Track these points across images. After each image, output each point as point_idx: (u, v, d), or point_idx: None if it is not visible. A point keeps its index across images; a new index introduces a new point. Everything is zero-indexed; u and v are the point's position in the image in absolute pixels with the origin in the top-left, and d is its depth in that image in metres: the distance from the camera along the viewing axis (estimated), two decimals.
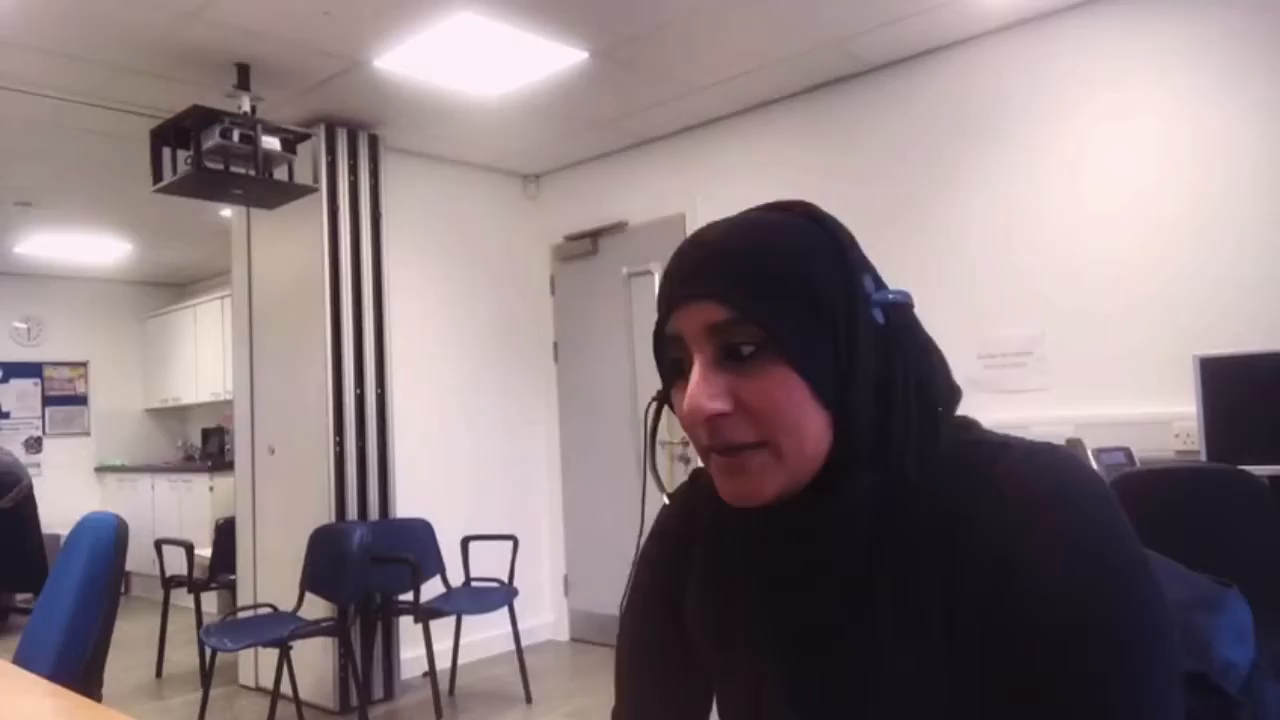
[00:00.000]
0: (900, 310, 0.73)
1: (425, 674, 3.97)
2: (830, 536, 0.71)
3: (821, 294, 0.69)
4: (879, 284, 0.74)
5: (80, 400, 7.88)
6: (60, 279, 7.67)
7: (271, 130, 3.62)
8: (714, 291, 0.70)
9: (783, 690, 0.75)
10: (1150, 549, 0.69)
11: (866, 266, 0.74)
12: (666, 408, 0.80)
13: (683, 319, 0.72)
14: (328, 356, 4.19)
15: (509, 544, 4.36)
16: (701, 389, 0.69)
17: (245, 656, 4.52)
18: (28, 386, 7.62)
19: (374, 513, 4.30)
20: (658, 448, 4.70)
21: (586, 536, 5.13)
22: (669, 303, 0.73)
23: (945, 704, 0.67)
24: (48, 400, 7.71)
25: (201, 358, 7.42)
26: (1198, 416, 2.87)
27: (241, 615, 4.11)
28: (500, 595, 4.18)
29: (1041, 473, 0.66)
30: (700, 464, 0.78)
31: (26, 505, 5.77)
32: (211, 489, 6.67)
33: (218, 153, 3.51)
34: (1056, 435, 3.01)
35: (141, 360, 8.18)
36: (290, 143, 3.70)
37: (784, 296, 0.69)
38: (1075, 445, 2.81)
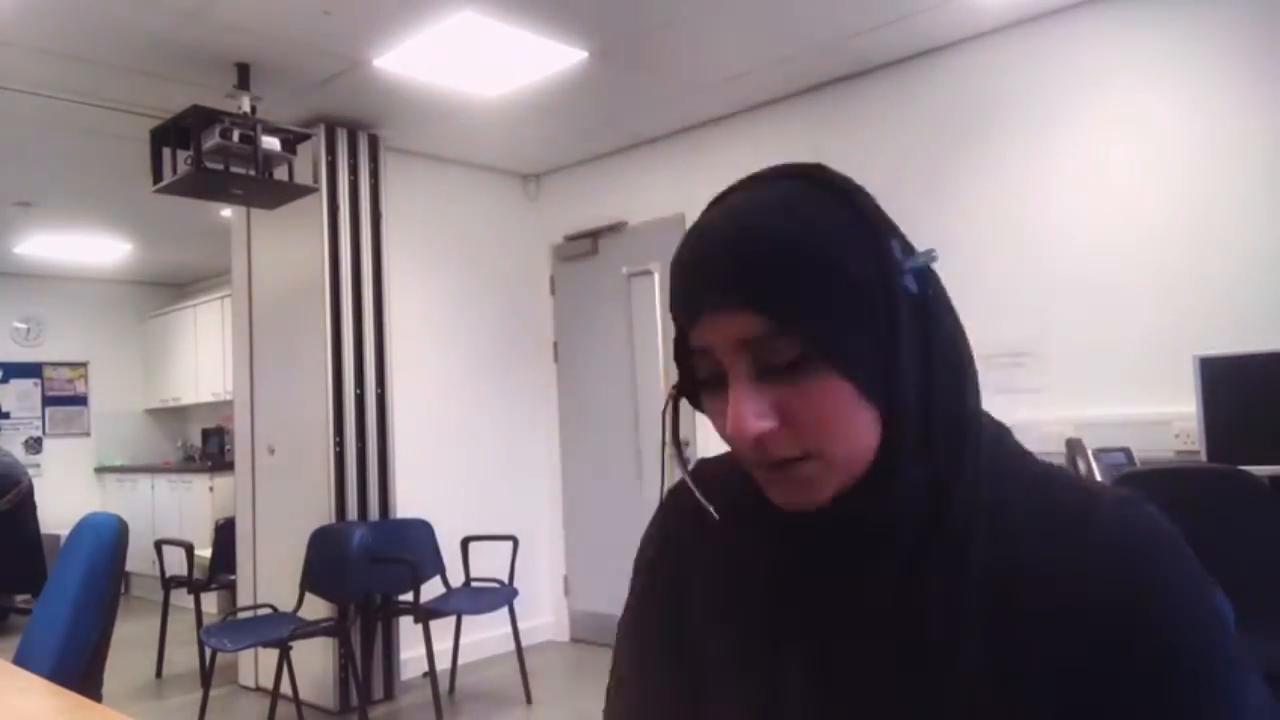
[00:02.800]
0: (931, 274, 0.68)
1: (425, 674, 3.97)
2: (879, 534, 0.67)
3: (858, 282, 0.63)
4: (905, 246, 0.67)
5: (80, 400, 7.88)
6: (60, 279, 7.67)
7: (271, 130, 3.62)
8: (746, 300, 0.63)
9: (811, 689, 0.71)
10: None
11: (892, 229, 0.68)
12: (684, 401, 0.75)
13: (712, 331, 0.64)
14: (328, 357, 4.19)
15: (509, 544, 4.36)
16: (746, 409, 0.63)
17: (245, 656, 4.52)
18: (28, 387, 7.62)
19: (374, 513, 4.30)
20: (659, 446, 4.63)
21: (586, 536, 5.13)
22: (692, 310, 0.66)
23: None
24: (48, 400, 7.71)
25: (201, 358, 7.42)
26: (1198, 416, 2.87)
27: (241, 615, 4.11)
28: (500, 595, 4.17)
29: (1145, 535, 0.64)
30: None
31: (25, 506, 5.76)
32: (211, 489, 6.67)
33: (218, 153, 3.51)
34: (1056, 435, 3.01)
35: (141, 360, 8.18)
36: (290, 143, 3.70)
37: (821, 295, 0.62)
38: (1075, 445, 2.81)
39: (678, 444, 0.74)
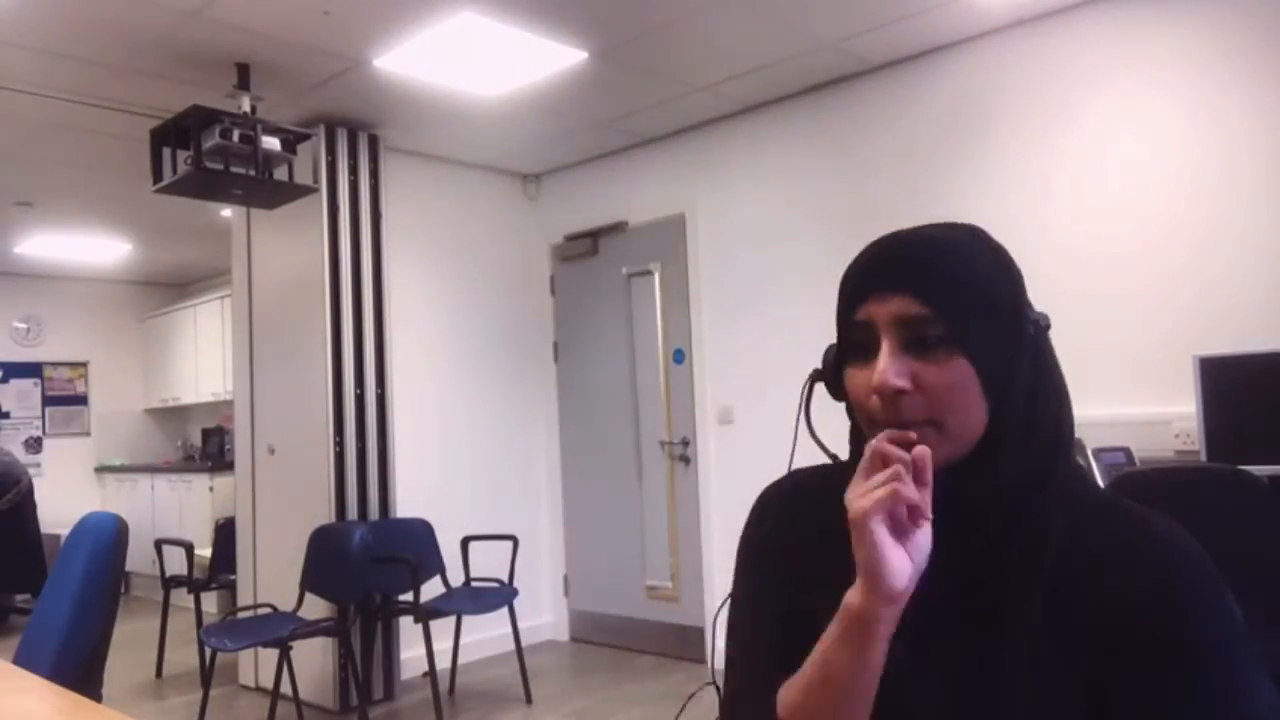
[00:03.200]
0: (1044, 328, 0.85)
1: (425, 674, 3.97)
2: (974, 513, 0.80)
3: (997, 303, 0.82)
4: (1029, 304, 0.85)
5: (80, 400, 7.88)
6: (60, 279, 7.67)
7: (271, 130, 3.62)
8: (910, 287, 0.80)
9: (905, 663, 0.80)
10: None
11: (1021, 284, 0.85)
12: (821, 386, 0.92)
13: (876, 307, 0.82)
14: (328, 356, 4.19)
15: (509, 544, 4.36)
16: (890, 366, 0.79)
17: (245, 656, 4.52)
18: (28, 386, 7.62)
19: (374, 513, 4.30)
20: (659, 447, 4.65)
21: (586, 536, 5.13)
22: (862, 291, 0.83)
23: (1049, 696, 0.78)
24: (48, 400, 7.71)
25: (201, 358, 7.41)
26: (1198, 416, 2.87)
27: (241, 615, 4.11)
28: (500, 595, 4.18)
29: (1190, 545, 0.81)
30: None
31: (25, 505, 5.76)
32: (211, 489, 6.67)
33: (218, 153, 3.50)
34: None
35: (141, 360, 8.18)
36: (290, 143, 3.70)
37: (968, 299, 0.80)
38: (1075, 445, 2.80)
39: (810, 423, 0.93)
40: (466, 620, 4.39)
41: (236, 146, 3.50)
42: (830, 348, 0.91)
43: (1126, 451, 2.94)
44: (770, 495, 0.99)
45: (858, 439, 0.88)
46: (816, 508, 0.91)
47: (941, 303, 0.79)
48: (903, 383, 0.79)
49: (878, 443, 0.77)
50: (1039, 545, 0.80)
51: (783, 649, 0.87)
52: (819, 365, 0.93)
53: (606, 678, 4.45)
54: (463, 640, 4.44)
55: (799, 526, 0.94)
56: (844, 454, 0.92)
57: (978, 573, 0.81)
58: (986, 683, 0.78)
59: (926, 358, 0.79)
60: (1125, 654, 0.76)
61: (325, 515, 4.14)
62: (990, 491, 0.81)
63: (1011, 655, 0.78)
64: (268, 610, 4.00)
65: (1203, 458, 2.84)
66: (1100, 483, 2.66)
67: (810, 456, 0.98)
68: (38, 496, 5.92)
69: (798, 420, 0.95)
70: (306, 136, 3.79)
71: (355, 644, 4.05)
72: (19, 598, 6.46)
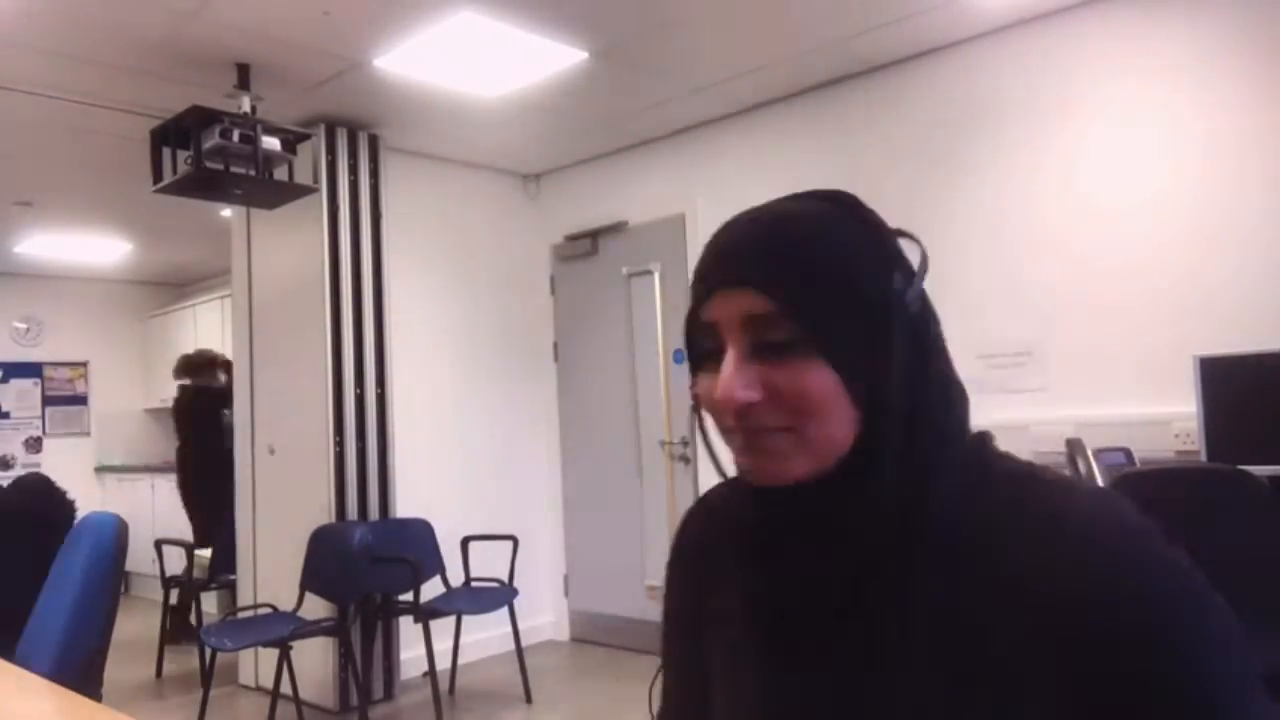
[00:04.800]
0: (927, 305, 0.74)
1: (425, 674, 3.97)
2: (850, 524, 0.70)
3: (861, 290, 0.70)
4: (907, 275, 0.73)
5: (80, 400, 7.88)
6: (60, 279, 7.67)
7: (271, 130, 3.62)
8: (754, 281, 0.70)
9: (774, 680, 0.76)
10: None
11: (900, 259, 0.74)
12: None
13: (719, 307, 0.72)
14: (328, 356, 4.19)
15: (509, 544, 4.36)
16: (734, 378, 0.70)
17: (245, 656, 4.52)
18: (28, 386, 7.62)
19: (374, 513, 4.30)
20: (659, 447, 4.64)
21: (586, 536, 5.13)
22: (705, 287, 0.73)
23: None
24: (48, 400, 7.71)
25: None
26: (1198, 416, 2.87)
27: (241, 615, 4.12)
28: (500, 595, 4.18)
29: (1114, 531, 0.64)
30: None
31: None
32: None
33: (218, 153, 3.50)
34: (1056, 435, 3.01)
35: (141, 360, 8.18)
36: (290, 143, 3.70)
37: (824, 291, 0.69)
38: (1075, 445, 2.81)
39: (707, 440, 0.80)
40: (466, 620, 4.39)
41: (236, 146, 3.50)
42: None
43: (1126, 452, 2.94)
44: (682, 521, 0.94)
45: None
46: (712, 534, 0.87)
47: (790, 297, 0.69)
48: (750, 394, 0.69)
49: None
50: (920, 564, 0.68)
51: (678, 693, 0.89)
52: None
53: (606, 678, 4.45)
54: (463, 640, 4.44)
55: (693, 552, 0.90)
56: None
57: (847, 599, 0.70)
58: None
59: (776, 361, 0.69)
60: (1088, 693, 0.60)
61: (325, 515, 4.14)
62: (865, 512, 0.69)
63: (897, 695, 0.67)
64: (268, 610, 4.00)
65: (1203, 458, 2.84)
66: (1100, 481, 2.66)
67: None
68: None
69: (696, 438, 0.86)
70: (306, 136, 3.79)
71: (355, 644, 4.05)
72: None
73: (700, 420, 0.78)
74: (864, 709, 0.69)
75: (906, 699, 0.67)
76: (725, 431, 0.74)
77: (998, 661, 0.63)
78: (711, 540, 0.87)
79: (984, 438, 0.75)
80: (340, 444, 4.20)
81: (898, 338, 0.69)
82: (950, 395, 0.74)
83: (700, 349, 0.75)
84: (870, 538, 0.69)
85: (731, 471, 0.80)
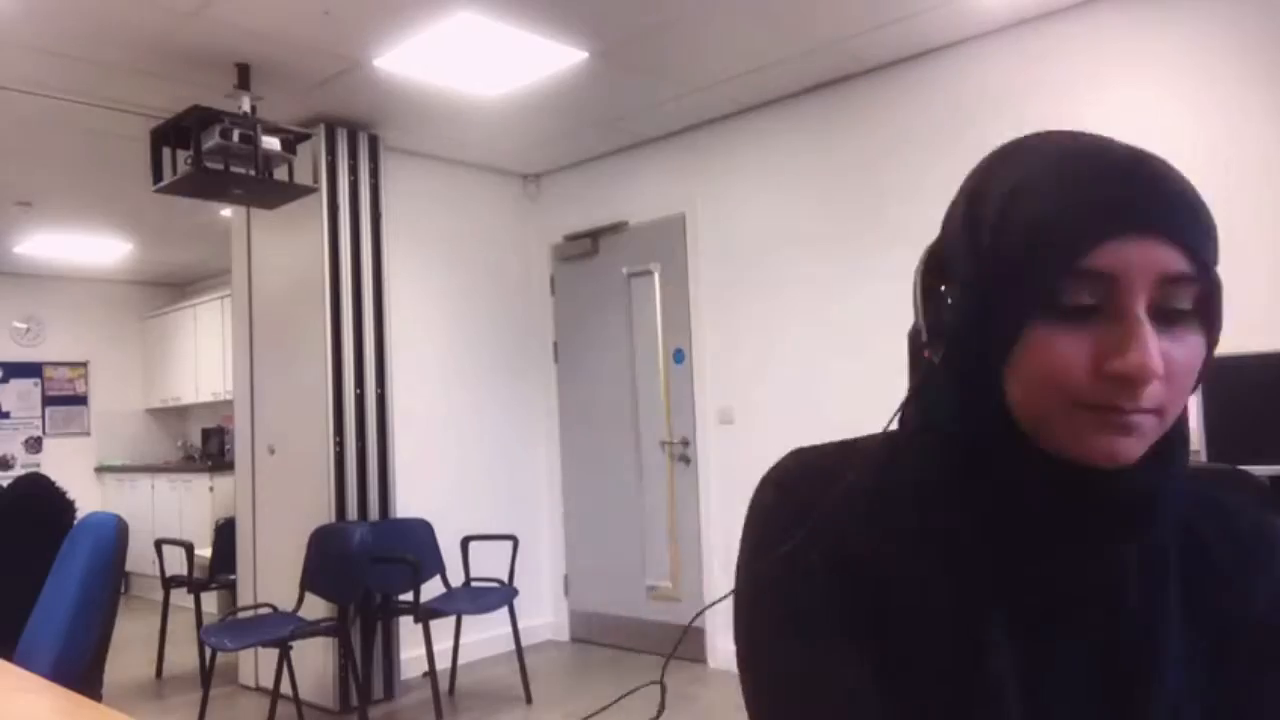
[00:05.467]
0: None
1: (425, 674, 3.97)
2: (1148, 515, 0.64)
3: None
4: None
5: (80, 400, 7.88)
6: (60, 279, 7.67)
7: (271, 130, 3.62)
8: (1178, 235, 0.59)
9: (1020, 688, 0.66)
10: None
11: None
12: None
13: (1127, 254, 0.58)
14: (328, 356, 4.19)
15: (509, 544, 4.36)
16: (1153, 349, 0.58)
17: (245, 656, 4.52)
18: (28, 386, 7.62)
19: (374, 513, 4.30)
20: (659, 447, 4.60)
21: (586, 536, 5.13)
22: (1105, 227, 0.59)
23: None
24: (48, 400, 7.71)
25: (201, 358, 7.42)
26: (1198, 416, 2.87)
27: (241, 615, 4.11)
28: (500, 595, 4.17)
29: None
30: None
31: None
32: (211, 489, 6.67)
33: (218, 153, 3.50)
34: None
35: (141, 360, 8.18)
36: (290, 143, 3.70)
37: (1216, 260, 0.62)
38: None
39: (917, 406, 0.70)
40: (466, 620, 4.39)
41: (236, 146, 3.50)
42: (930, 294, 0.69)
43: None
44: (794, 487, 0.73)
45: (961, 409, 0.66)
46: (896, 503, 0.70)
47: (1208, 263, 0.60)
48: (1162, 369, 0.59)
49: None
50: (1165, 569, 0.69)
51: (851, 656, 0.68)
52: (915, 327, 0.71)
53: (606, 678, 4.45)
54: (463, 640, 4.44)
55: (874, 521, 0.70)
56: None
57: (1111, 584, 0.67)
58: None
59: (1172, 332, 0.60)
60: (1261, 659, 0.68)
61: (325, 515, 4.14)
62: (1173, 490, 0.65)
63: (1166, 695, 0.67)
64: (268, 610, 4.00)
65: (1203, 458, 2.84)
66: None
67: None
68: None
69: (911, 383, 0.72)
70: (306, 136, 3.79)
71: (355, 644, 4.05)
72: None
73: (920, 358, 0.69)
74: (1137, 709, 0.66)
75: (1175, 700, 0.66)
76: (1069, 409, 0.61)
77: (1225, 665, 0.68)
78: (858, 547, 0.70)
79: None
80: (340, 444, 4.20)
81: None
82: None
83: (1057, 295, 0.60)
84: (1163, 527, 0.66)
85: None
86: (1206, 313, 0.61)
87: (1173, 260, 0.58)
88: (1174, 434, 0.64)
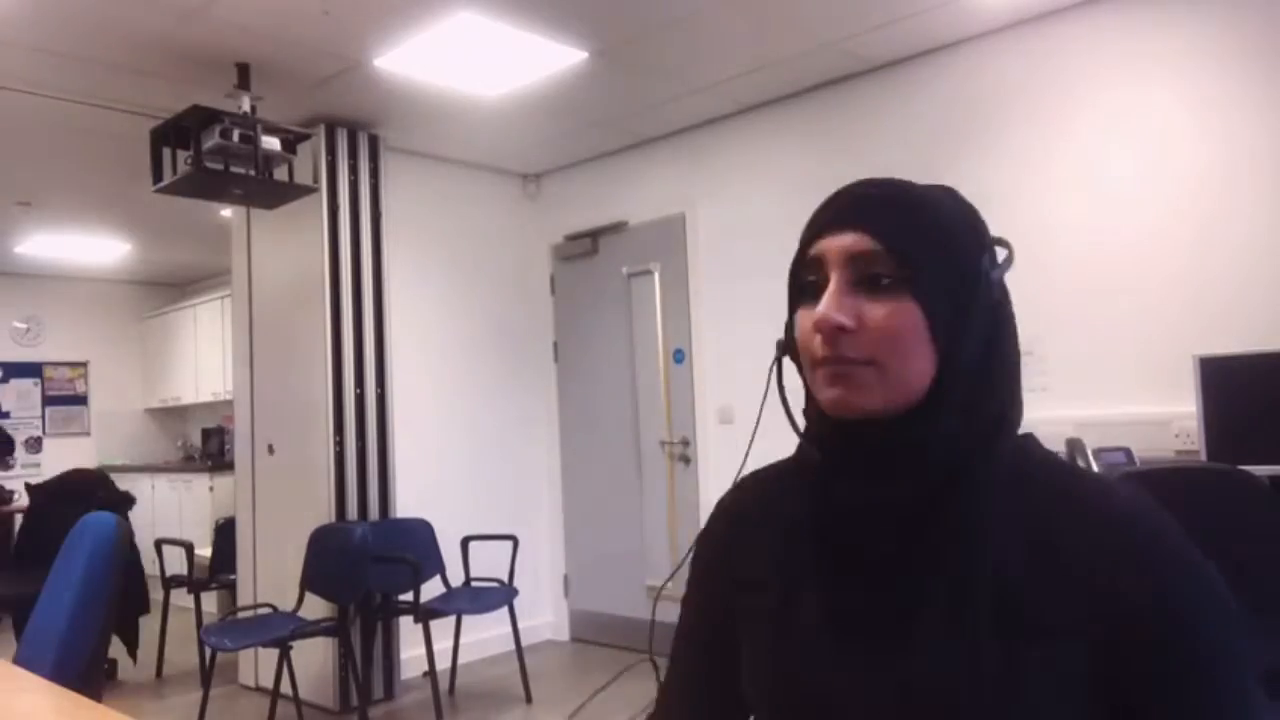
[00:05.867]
0: (1005, 294, 0.82)
1: (425, 674, 3.97)
2: (910, 465, 0.77)
3: (956, 254, 0.78)
4: (993, 263, 0.81)
5: (80, 400, 7.88)
6: (60, 279, 7.67)
7: (271, 130, 3.62)
8: (864, 224, 0.77)
9: (823, 611, 0.80)
10: None
11: (991, 250, 0.82)
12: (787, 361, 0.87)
13: (827, 243, 0.79)
14: (328, 356, 4.19)
15: (509, 544, 4.36)
16: (833, 303, 0.76)
17: (245, 656, 4.52)
18: (28, 386, 7.62)
19: (374, 513, 4.30)
20: (659, 447, 4.61)
21: (586, 536, 5.13)
22: (817, 228, 0.81)
23: (971, 663, 0.72)
24: (48, 400, 7.71)
25: (201, 358, 7.42)
26: (1198, 416, 2.87)
27: (241, 615, 4.12)
28: (500, 595, 4.18)
29: (1159, 519, 0.75)
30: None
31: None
32: (211, 489, 6.67)
33: (218, 153, 3.50)
34: (1057, 435, 3.01)
35: (141, 360, 8.18)
36: (290, 143, 3.70)
37: (924, 242, 0.77)
38: (1075, 445, 2.81)
39: (783, 395, 0.86)
40: (466, 620, 4.39)
41: (236, 146, 3.50)
42: (788, 318, 0.86)
43: (1126, 451, 2.94)
44: (721, 502, 0.98)
45: (814, 422, 0.84)
46: (764, 507, 0.91)
47: (896, 241, 0.76)
48: (845, 319, 0.75)
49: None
50: (982, 525, 0.75)
51: (702, 657, 0.93)
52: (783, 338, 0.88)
53: (606, 677, 4.45)
54: (463, 640, 4.44)
55: (744, 528, 0.92)
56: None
57: (912, 546, 0.76)
58: (946, 689, 0.72)
59: (876, 297, 0.76)
60: (1125, 660, 0.70)
61: (325, 515, 4.14)
62: (928, 442, 0.76)
63: (978, 656, 0.72)
64: (268, 610, 4.00)
65: (1203, 458, 2.84)
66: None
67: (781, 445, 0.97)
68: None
69: (764, 398, 0.90)
70: (306, 136, 3.79)
71: (355, 644, 4.05)
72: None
73: (779, 370, 0.87)
74: (922, 645, 0.74)
75: (963, 640, 0.73)
76: (812, 366, 0.79)
77: (1044, 621, 0.71)
78: (744, 510, 0.94)
79: (1030, 437, 0.83)
80: (340, 444, 4.20)
81: (978, 308, 0.77)
82: (1015, 388, 0.81)
83: (802, 284, 0.81)
84: (930, 479, 0.76)
85: (801, 425, 0.87)
86: (914, 283, 0.75)
87: (858, 242, 0.77)
88: (937, 395, 0.76)
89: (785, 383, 0.87)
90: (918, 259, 0.76)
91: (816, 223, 0.82)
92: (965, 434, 0.76)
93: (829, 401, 0.78)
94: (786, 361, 0.87)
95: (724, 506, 0.97)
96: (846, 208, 0.80)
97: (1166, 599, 0.70)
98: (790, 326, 0.84)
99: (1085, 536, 0.73)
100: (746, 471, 0.99)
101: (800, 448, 0.86)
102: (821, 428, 0.82)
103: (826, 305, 0.76)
